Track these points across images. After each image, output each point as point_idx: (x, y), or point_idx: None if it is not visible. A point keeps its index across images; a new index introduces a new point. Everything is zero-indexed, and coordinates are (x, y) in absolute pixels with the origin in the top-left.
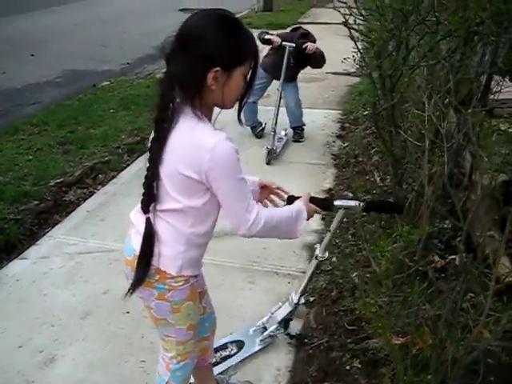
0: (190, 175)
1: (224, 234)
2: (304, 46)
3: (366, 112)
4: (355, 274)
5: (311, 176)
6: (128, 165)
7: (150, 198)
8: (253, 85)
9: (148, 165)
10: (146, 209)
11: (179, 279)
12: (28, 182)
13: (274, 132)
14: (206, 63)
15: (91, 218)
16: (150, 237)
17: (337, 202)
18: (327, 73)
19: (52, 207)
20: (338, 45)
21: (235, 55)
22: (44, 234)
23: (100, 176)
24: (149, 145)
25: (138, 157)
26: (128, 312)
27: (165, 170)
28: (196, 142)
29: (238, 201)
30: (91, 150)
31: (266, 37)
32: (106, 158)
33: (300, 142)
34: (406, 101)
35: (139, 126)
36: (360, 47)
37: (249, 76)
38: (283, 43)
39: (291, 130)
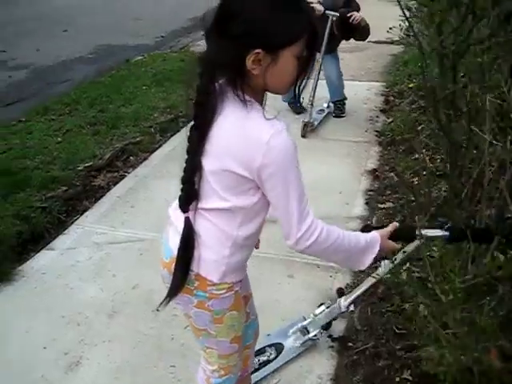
0: (239, 172)
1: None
2: (349, 15)
3: (412, 84)
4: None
5: (353, 155)
6: (160, 145)
7: (189, 194)
8: (310, 67)
9: (186, 156)
10: (185, 207)
11: (222, 286)
12: (56, 167)
13: (312, 105)
14: (244, 45)
15: (121, 204)
16: (189, 239)
17: (421, 232)
18: (369, 41)
19: (81, 193)
20: (381, 10)
21: (282, 34)
22: (72, 223)
23: (131, 158)
24: (188, 133)
25: (171, 136)
26: (157, 309)
27: (209, 164)
28: (248, 134)
29: (293, 204)
30: (122, 130)
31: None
32: (138, 139)
33: (341, 117)
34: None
35: (172, 104)
36: (407, 14)
37: (305, 54)
38: (326, 12)
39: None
